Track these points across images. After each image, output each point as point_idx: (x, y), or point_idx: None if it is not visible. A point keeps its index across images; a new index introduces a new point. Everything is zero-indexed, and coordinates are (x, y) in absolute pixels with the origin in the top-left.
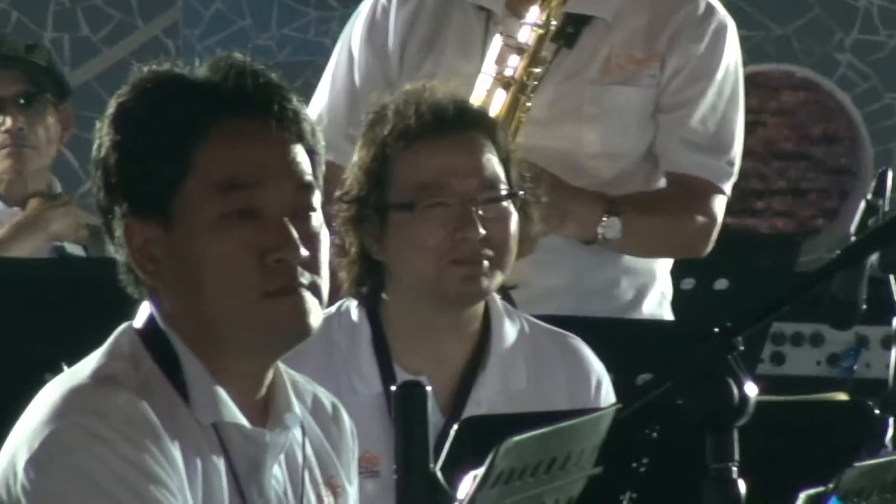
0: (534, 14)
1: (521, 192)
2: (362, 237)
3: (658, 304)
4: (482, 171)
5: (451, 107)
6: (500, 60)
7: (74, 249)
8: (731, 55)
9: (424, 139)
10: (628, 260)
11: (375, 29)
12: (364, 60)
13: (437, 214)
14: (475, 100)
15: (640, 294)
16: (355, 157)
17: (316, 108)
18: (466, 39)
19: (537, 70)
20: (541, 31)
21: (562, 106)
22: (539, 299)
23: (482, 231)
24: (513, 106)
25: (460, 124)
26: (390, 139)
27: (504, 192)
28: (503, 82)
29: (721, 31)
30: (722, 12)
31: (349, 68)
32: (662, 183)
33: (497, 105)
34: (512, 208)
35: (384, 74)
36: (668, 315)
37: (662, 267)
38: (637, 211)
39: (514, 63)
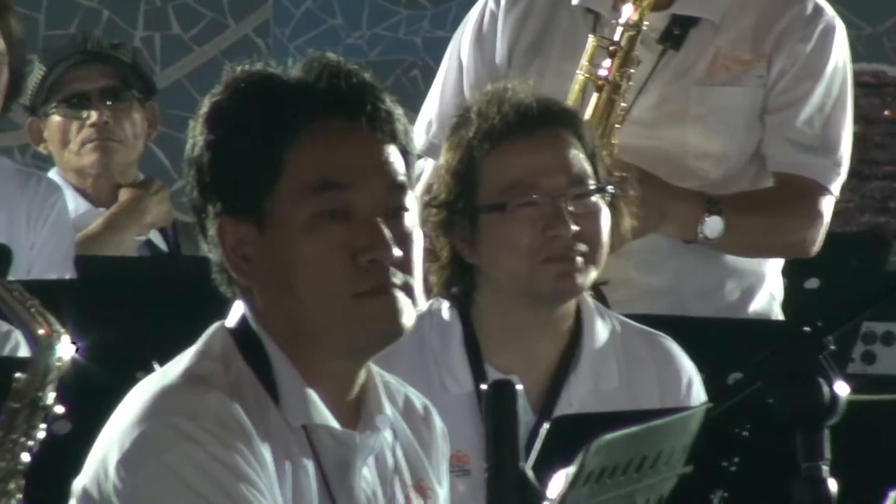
0: (626, 13)
1: (610, 186)
2: (453, 241)
3: (767, 304)
4: (570, 168)
5: (535, 105)
6: (594, 61)
7: (160, 240)
8: (839, 55)
9: (510, 139)
10: (734, 261)
11: (483, 36)
12: (473, 68)
13: (528, 213)
14: (569, 100)
15: (747, 295)
16: (441, 161)
17: (426, 114)
18: (573, 42)
19: (630, 70)
20: (632, 32)
21: (668, 107)
22: (639, 299)
23: (574, 227)
24: (606, 107)
25: (545, 122)
26: (475, 141)
27: (593, 187)
28: (596, 83)
29: (829, 31)
30: (830, 13)
31: (458, 75)
32: (770, 184)
33: (590, 106)
34: (601, 203)
35: (493, 81)
36: (777, 316)
37: (772, 267)
38: (738, 210)
39: (607, 63)
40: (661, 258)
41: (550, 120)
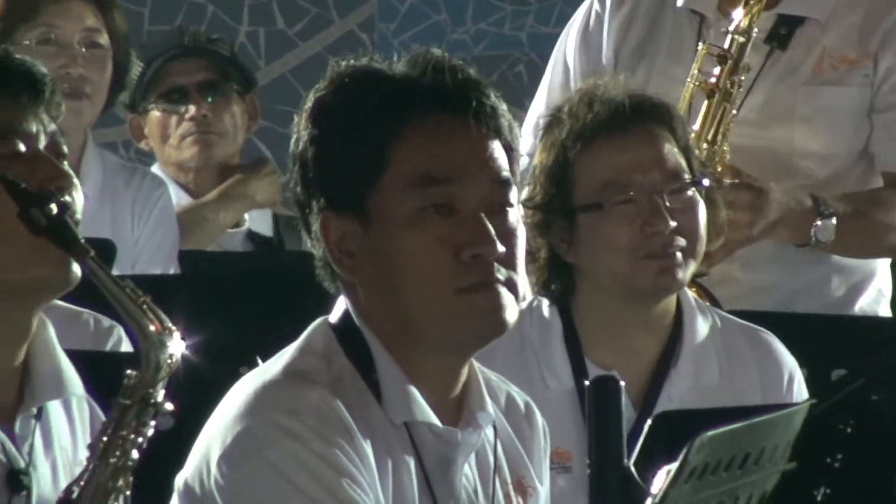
0: (737, 19)
1: (705, 180)
2: (551, 241)
3: (874, 301)
4: (665, 163)
5: (627, 101)
6: (704, 68)
7: (263, 229)
8: None
9: (603, 137)
10: (841, 257)
11: (589, 37)
12: (580, 69)
13: (625, 211)
14: (680, 107)
15: (854, 292)
16: (535, 161)
17: (534, 115)
18: (679, 44)
19: (741, 77)
20: (742, 40)
21: (774, 107)
22: (744, 297)
23: (672, 223)
24: (717, 113)
25: (637, 118)
26: (569, 141)
27: (688, 181)
28: (707, 90)
29: None
30: None
31: (565, 77)
32: (878, 183)
33: (701, 113)
34: (698, 196)
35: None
36: (884, 313)
37: (882, 264)
38: (850, 213)
39: (718, 70)
40: (766, 256)
41: (643, 116)
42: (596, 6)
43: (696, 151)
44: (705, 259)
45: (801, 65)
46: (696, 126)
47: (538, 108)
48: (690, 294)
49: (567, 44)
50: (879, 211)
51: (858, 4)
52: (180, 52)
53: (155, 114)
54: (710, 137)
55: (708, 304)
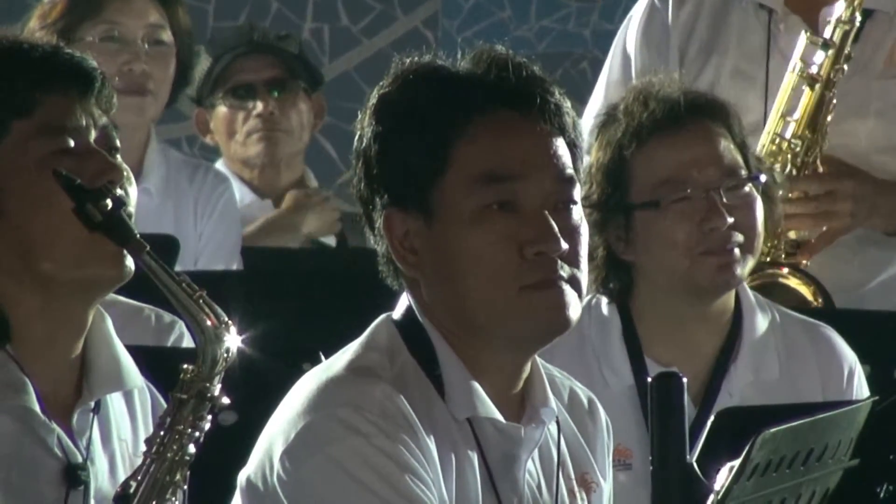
0: (839, 9)
1: (762, 175)
2: (608, 239)
3: None
4: (721, 160)
5: (682, 99)
6: (806, 57)
7: (327, 239)
8: None
9: (658, 135)
10: None
11: (652, 32)
12: (641, 62)
13: (683, 208)
14: (780, 98)
15: None
16: (591, 160)
17: (592, 110)
18: (748, 39)
19: (844, 66)
20: (846, 27)
21: (848, 102)
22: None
23: (729, 219)
24: (819, 103)
25: (693, 115)
26: (625, 140)
27: (745, 177)
28: (808, 80)
29: None
30: None
31: (624, 74)
32: None
33: (801, 103)
34: (755, 192)
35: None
36: None
37: None
38: None
39: (819, 59)
40: (847, 252)
41: (698, 113)
42: (657, 3)
43: (794, 142)
44: (806, 249)
45: (872, 59)
46: (797, 115)
47: (595, 104)
48: (749, 291)
49: (626, 38)
50: None
51: None
52: (249, 49)
53: (222, 109)
54: (812, 127)
55: (815, 292)
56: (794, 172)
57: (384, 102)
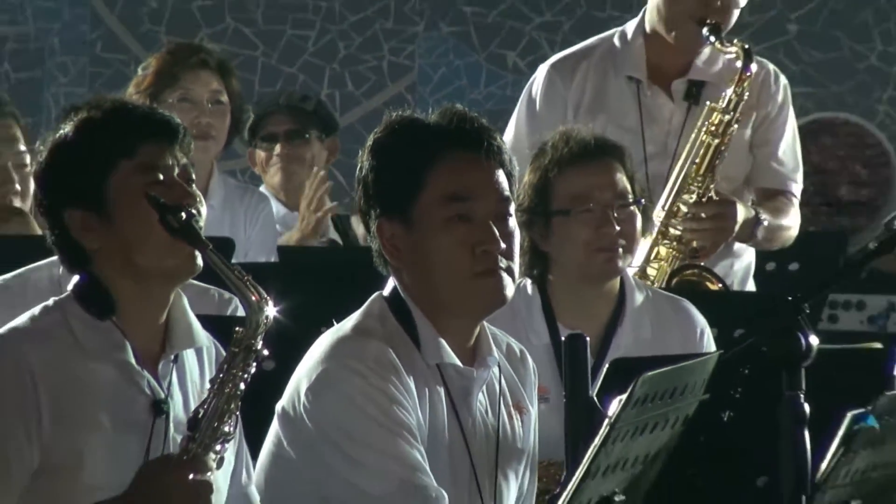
0: (731, 89)
1: (642, 200)
2: (533, 236)
3: (749, 278)
4: (616, 186)
5: (592, 141)
6: (707, 119)
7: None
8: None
9: (574, 164)
10: (738, 248)
11: (551, 95)
12: (544, 115)
13: (586, 217)
14: (689, 149)
15: (746, 274)
16: (525, 179)
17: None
18: (624, 102)
19: (735, 126)
20: (736, 99)
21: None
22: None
23: (617, 228)
24: (714, 154)
25: (599, 153)
26: (550, 166)
27: (631, 200)
28: (710, 135)
29: (787, 87)
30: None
31: (530, 122)
32: (749, 197)
33: (701, 154)
34: (637, 211)
35: (562, 123)
36: (752, 287)
37: (751, 252)
38: (772, 216)
39: (717, 121)
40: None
41: (603, 152)
42: (552, 74)
43: (697, 179)
44: (702, 254)
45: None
46: (698, 160)
47: (507, 139)
48: (633, 275)
49: (530, 97)
50: (782, 217)
51: (730, 69)
52: (275, 109)
53: (259, 151)
54: (709, 170)
55: (714, 280)
56: (697, 199)
57: (377, 144)
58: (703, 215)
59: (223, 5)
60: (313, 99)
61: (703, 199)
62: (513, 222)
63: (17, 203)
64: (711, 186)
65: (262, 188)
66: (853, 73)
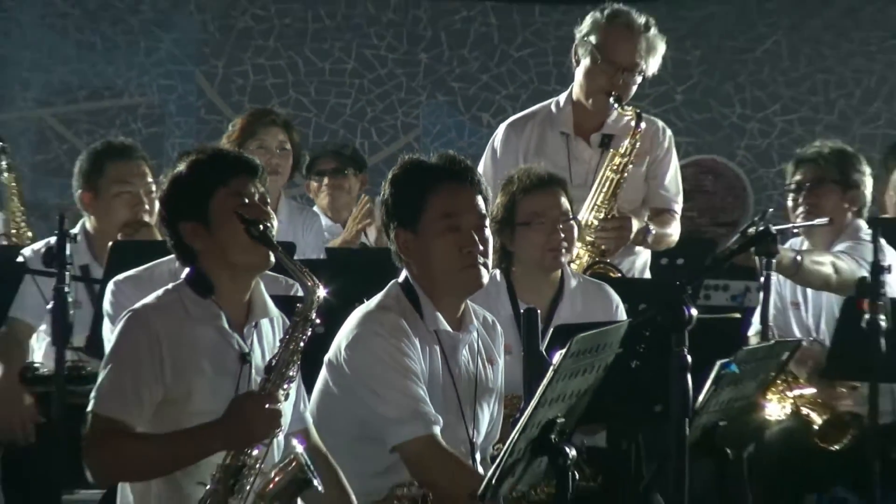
0: (627, 140)
1: (577, 216)
2: (502, 240)
3: (643, 269)
4: (562, 206)
5: (546, 175)
6: (611, 161)
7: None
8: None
9: (533, 191)
10: (638, 249)
11: (508, 144)
12: (503, 158)
13: (541, 227)
14: (599, 182)
15: (644, 267)
16: (497, 200)
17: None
18: (557, 150)
19: (630, 167)
20: (632, 145)
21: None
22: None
23: (562, 235)
24: (616, 186)
25: (551, 183)
26: (516, 191)
27: (571, 217)
28: (613, 172)
29: (671, 137)
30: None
31: (494, 163)
32: (644, 216)
33: (608, 185)
34: (574, 224)
35: (516, 163)
36: (649, 276)
37: (647, 252)
38: (659, 227)
39: (618, 162)
40: (630, 251)
41: (553, 182)
42: (508, 131)
43: (606, 203)
44: (607, 254)
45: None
46: (606, 189)
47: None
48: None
49: (494, 145)
50: (666, 227)
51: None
52: (323, 154)
53: (312, 183)
54: (612, 199)
55: (614, 271)
56: (604, 216)
57: (394, 178)
58: (608, 227)
59: (287, 83)
60: (350, 146)
61: (609, 216)
62: (488, 231)
63: (146, 218)
64: (615, 207)
65: (315, 208)
66: (721, 128)
